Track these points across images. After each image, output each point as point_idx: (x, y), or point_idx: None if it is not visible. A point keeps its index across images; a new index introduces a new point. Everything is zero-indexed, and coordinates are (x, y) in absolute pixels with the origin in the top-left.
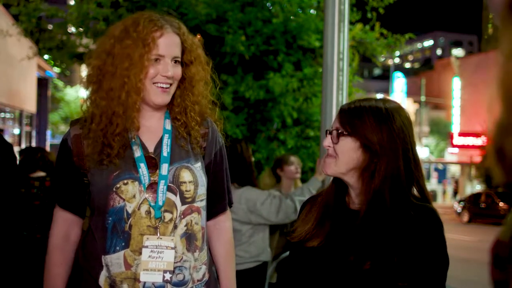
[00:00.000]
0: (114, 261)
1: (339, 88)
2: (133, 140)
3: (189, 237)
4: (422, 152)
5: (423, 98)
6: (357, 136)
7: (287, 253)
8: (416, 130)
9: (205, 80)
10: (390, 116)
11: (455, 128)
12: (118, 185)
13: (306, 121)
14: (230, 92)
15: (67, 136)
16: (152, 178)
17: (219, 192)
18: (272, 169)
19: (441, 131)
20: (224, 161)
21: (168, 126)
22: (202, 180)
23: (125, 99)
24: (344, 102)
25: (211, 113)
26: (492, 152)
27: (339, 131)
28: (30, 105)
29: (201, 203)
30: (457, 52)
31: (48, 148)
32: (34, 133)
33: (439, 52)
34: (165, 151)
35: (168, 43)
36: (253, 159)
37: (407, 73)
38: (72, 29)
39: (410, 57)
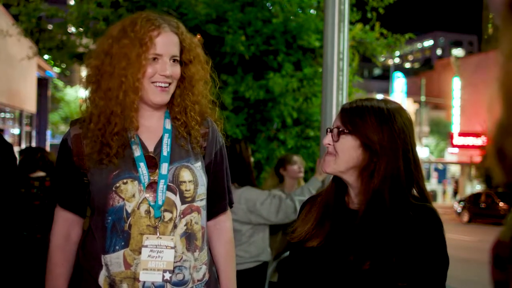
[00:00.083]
0: (114, 260)
1: (339, 88)
2: (133, 139)
3: (189, 237)
4: (422, 152)
5: (423, 98)
6: (357, 134)
7: (287, 252)
8: (416, 130)
9: (204, 80)
10: (392, 116)
11: (455, 128)
12: (117, 185)
13: (306, 121)
14: (230, 92)
15: (67, 136)
16: (151, 178)
17: (220, 192)
18: (275, 169)
19: (441, 131)
20: (225, 161)
21: (168, 126)
22: (202, 179)
23: (123, 98)
24: (344, 102)
25: (211, 112)
26: (493, 152)
27: (340, 129)
28: (30, 105)
29: (201, 203)
30: (457, 52)
31: (48, 148)
32: (34, 133)
33: (439, 52)
34: (165, 151)
35: (166, 42)
36: (252, 159)
37: (407, 73)
38: (72, 29)
39: (410, 57)
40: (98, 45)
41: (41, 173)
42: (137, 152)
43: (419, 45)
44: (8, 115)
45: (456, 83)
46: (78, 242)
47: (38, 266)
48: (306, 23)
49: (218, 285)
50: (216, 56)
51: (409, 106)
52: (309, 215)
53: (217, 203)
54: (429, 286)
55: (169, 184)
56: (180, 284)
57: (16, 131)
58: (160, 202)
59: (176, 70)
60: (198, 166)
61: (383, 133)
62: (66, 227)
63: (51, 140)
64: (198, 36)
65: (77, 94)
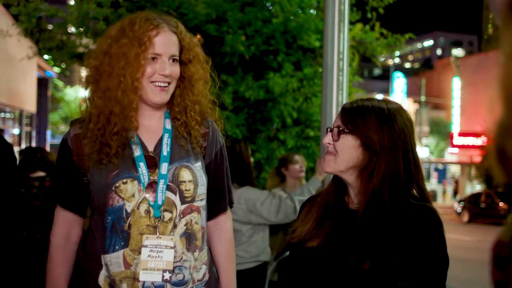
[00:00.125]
0: (114, 260)
1: (339, 88)
2: (133, 139)
3: (188, 237)
4: (422, 152)
5: (423, 98)
6: (358, 134)
7: (288, 252)
8: (416, 130)
9: (204, 79)
10: (392, 116)
11: (455, 128)
12: (117, 184)
13: (306, 121)
14: (230, 92)
15: (67, 136)
16: (151, 177)
17: (220, 192)
18: (276, 168)
19: (441, 131)
20: (225, 161)
21: (168, 126)
22: (202, 179)
23: (122, 98)
24: (344, 102)
25: (211, 112)
26: (493, 153)
27: (340, 128)
28: (30, 105)
29: (201, 203)
30: (457, 52)
31: (48, 148)
32: (34, 133)
33: (439, 52)
34: (165, 151)
35: (164, 42)
36: (252, 159)
37: (407, 73)
38: (72, 29)
39: (410, 57)
40: (98, 46)
41: (41, 173)
42: (137, 152)
43: (419, 45)
44: (8, 115)
45: (456, 83)
46: (78, 242)
47: (38, 266)
48: (306, 23)
49: (219, 285)
50: (216, 56)
51: (409, 106)
52: (309, 215)
53: (217, 203)
54: (429, 286)
55: (169, 184)
56: (180, 284)
57: (16, 131)
58: (159, 202)
59: (176, 69)
60: (198, 166)
61: (383, 133)
62: (66, 227)
63: (51, 140)
64: (198, 36)
65: (77, 94)
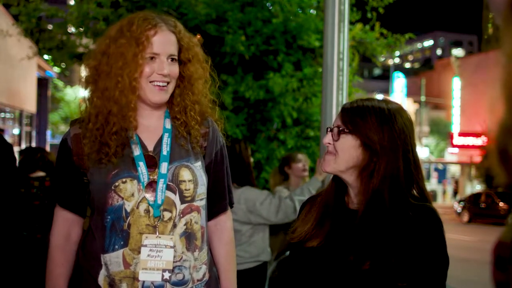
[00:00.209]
0: (113, 260)
1: (339, 88)
2: (132, 139)
3: (188, 236)
4: (422, 152)
5: (423, 98)
6: (358, 134)
7: (288, 252)
8: (416, 130)
9: (204, 79)
10: (392, 116)
11: (455, 128)
12: (116, 184)
13: (306, 121)
14: (230, 92)
15: (67, 136)
16: (151, 177)
17: (220, 192)
18: (279, 167)
19: (441, 131)
20: (225, 161)
21: (168, 125)
22: (202, 179)
23: (120, 98)
24: (344, 102)
25: (211, 112)
26: (495, 153)
27: (340, 128)
28: (30, 105)
29: (201, 202)
30: (457, 52)
31: (48, 148)
32: (34, 133)
33: (439, 52)
34: (165, 150)
35: (162, 41)
36: (252, 159)
37: (407, 73)
38: (72, 29)
39: (410, 57)
40: (97, 46)
41: (41, 173)
42: (137, 151)
43: (419, 45)
44: (8, 115)
45: (456, 83)
46: (78, 242)
47: (38, 266)
48: (306, 23)
49: (219, 286)
50: (216, 56)
51: (409, 106)
52: (309, 215)
53: (218, 203)
54: (429, 286)
55: (169, 183)
56: (180, 284)
57: (16, 131)
58: (159, 202)
59: (174, 69)
60: (198, 165)
61: (383, 133)
62: (66, 227)
63: (51, 140)
64: (198, 36)
65: (76, 94)
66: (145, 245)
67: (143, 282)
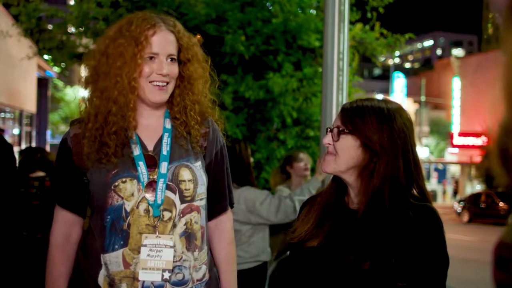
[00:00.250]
0: (113, 259)
1: (339, 88)
2: (132, 138)
3: (188, 236)
4: (422, 152)
5: (423, 98)
6: (357, 134)
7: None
8: (416, 130)
9: (204, 78)
10: (392, 116)
11: (455, 128)
12: (116, 183)
13: (306, 121)
14: (230, 92)
15: (67, 136)
16: (151, 177)
17: (220, 192)
18: (281, 166)
19: (441, 131)
20: (225, 160)
21: (168, 125)
22: (202, 179)
23: (118, 98)
24: (344, 102)
25: (211, 112)
26: (496, 154)
27: (340, 129)
28: (30, 105)
29: (201, 202)
30: (457, 52)
31: (48, 148)
32: (34, 133)
33: (439, 52)
34: (165, 150)
35: (161, 41)
36: (252, 159)
37: (407, 73)
38: (72, 29)
39: (410, 57)
40: (96, 46)
41: (41, 173)
42: (136, 151)
43: (419, 45)
44: (8, 115)
45: (456, 83)
46: (78, 242)
47: (38, 266)
48: (306, 23)
49: (219, 286)
50: (216, 56)
51: (409, 106)
52: (309, 215)
53: (218, 203)
54: (429, 286)
55: (169, 183)
56: (180, 284)
57: (16, 131)
58: (159, 201)
59: (174, 69)
60: (198, 165)
61: (383, 133)
62: (66, 227)
63: (51, 140)
64: (198, 36)
65: (76, 95)
66: (145, 245)
67: (143, 282)
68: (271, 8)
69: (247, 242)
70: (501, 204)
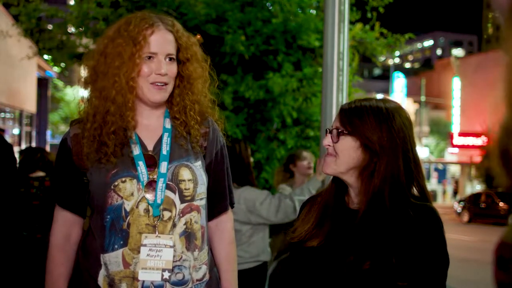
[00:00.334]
0: (113, 259)
1: (339, 88)
2: (131, 138)
3: (188, 236)
4: (422, 152)
5: (423, 98)
6: (357, 135)
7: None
8: (416, 130)
9: (203, 78)
10: (390, 116)
11: (455, 128)
12: (116, 183)
13: (306, 121)
14: (230, 92)
15: (67, 136)
16: (150, 176)
17: (221, 192)
18: (284, 165)
19: (441, 131)
20: (225, 160)
21: (168, 125)
22: (202, 178)
23: (117, 97)
24: (344, 102)
25: (211, 112)
26: (496, 154)
27: (339, 130)
28: (30, 105)
29: (201, 202)
30: (457, 52)
31: (48, 148)
32: (34, 133)
33: (439, 52)
34: (165, 150)
35: (160, 40)
36: (252, 159)
37: (407, 73)
38: (72, 29)
39: (410, 57)
40: (96, 46)
41: (41, 173)
42: (136, 151)
43: (419, 45)
44: (8, 115)
45: (456, 83)
46: (78, 242)
47: (38, 266)
48: (306, 23)
49: (220, 286)
50: (216, 56)
51: (409, 106)
52: (309, 215)
53: (218, 203)
54: (430, 285)
55: (168, 182)
56: (180, 284)
57: (16, 131)
58: (159, 201)
59: (172, 68)
60: (198, 165)
61: (382, 132)
62: (66, 227)
63: (51, 140)
64: (198, 36)
65: (75, 95)
66: (145, 245)
67: (143, 281)
68: (271, 8)
69: (247, 242)
70: (501, 204)
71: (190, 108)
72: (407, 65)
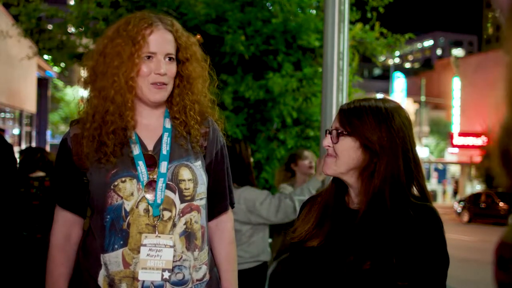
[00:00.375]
0: (113, 259)
1: (339, 88)
2: (131, 138)
3: (188, 236)
4: (422, 152)
5: (423, 98)
6: (356, 135)
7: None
8: (416, 130)
9: (203, 78)
10: (390, 115)
11: (455, 128)
12: (116, 183)
13: (306, 121)
14: (230, 92)
15: (67, 136)
16: (150, 176)
17: (221, 192)
18: (286, 164)
19: (441, 131)
20: (225, 160)
21: (168, 125)
22: (202, 178)
23: (116, 97)
24: (344, 102)
25: (211, 112)
26: (497, 155)
27: (339, 131)
28: (30, 105)
29: (201, 202)
30: (457, 52)
31: (48, 148)
32: (34, 133)
33: (439, 52)
34: (165, 149)
35: (159, 40)
36: (252, 159)
37: (407, 73)
38: (72, 29)
39: (410, 57)
40: (95, 46)
41: (41, 173)
42: (136, 151)
43: (419, 45)
44: (8, 115)
45: (456, 83)
46: (79, 242)
47: (38, 266)
48: (305, 23)
49: (220, 287)
50: (216, 56)
51: (409, 106)
52: (309, 215)
53: (218, 203)
54: (430, 285)
55: (168, 182)
56: (180, 284)
57: (16, 131)
58: (159, 201)
59: (172, 68)
60: (198, 165)
61: (381, 132)
62: (66, 228)
63: (51, 140)
64: (198, 36)
65: (75, 95)
66: (145, 245)
67: (143, 281)
68: (271, 8)
69: (247, 242)
70: (501, 204)
71: (190, 108)
72: (407, 65)
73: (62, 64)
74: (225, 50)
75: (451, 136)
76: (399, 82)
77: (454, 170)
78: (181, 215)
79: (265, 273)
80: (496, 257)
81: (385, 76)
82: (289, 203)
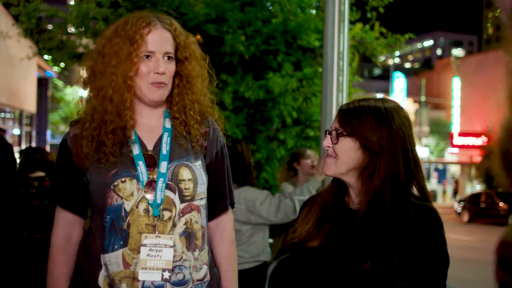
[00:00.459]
0: (113, 260)
1: (339, 88)
2: (131, 138)
3: (188, 236)
4: (422, 152)
5: (423, 98)
6: (356, 136)
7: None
8: (416, 130)
9: (202, 77)
10: (389, 115)
11: (455, 128)
12: (115, 183)
13: (306, 121)
14: (230, 92)
15: (66, 136)
16: (150, 176)
17: (221, 192)
18: (288, 163)
19: (441, 131)
20: (226, 160)
21: (168, 125)
22: (202, 178)
23: (114, 96)
24: (344, 102)
25: (211, 112)
26: (498, 155)
27: (338, 131)
28: (30, 105)
29: (201, 202)
30: (457, 52)
31: (48, 148)
32: (34, 133)
33: (439, 52)
34: (165, 149)
35: (157, 39)
36: (252, 160)
37: (407, 73)
38: (72, 29)
39: (410, 57)
40: (94, 46)
41: (41, 173)
42: (136, 151)
43: (419, 45)
44: (8, 115)
45: (456, 83)
46: (79, 242)
47: (38, 266)
48: (305, 23)
49: (220, 287)
50: (216, 56)
51: (409, 106)
52: (309, 215)
53: (219, 203)
54: (430, 285)
55: (168, 182)
56: (180, 284)
57: (16, 131)
58: (158, 201)
59: (170, 67)
60: (198, 164)
61: (381, 132)
62: (66, 228)
63: (51, 140)
64: (198, 36)
65: (74, 95)
66: (145, 245)
67: (143, 282)
68: (271, 8)
69: (247, 242)
70: (501, 204)
71: (190, 108)
72: (407, 65)
73: (62, 64)
74: (225, 50)
75: (451, 136)
76: (399, 82)
77: (454, 170)
78: (181, 215)
79: (265, 273)
80: (497, 256)
81: (385, 76)
82: (289, 203)
